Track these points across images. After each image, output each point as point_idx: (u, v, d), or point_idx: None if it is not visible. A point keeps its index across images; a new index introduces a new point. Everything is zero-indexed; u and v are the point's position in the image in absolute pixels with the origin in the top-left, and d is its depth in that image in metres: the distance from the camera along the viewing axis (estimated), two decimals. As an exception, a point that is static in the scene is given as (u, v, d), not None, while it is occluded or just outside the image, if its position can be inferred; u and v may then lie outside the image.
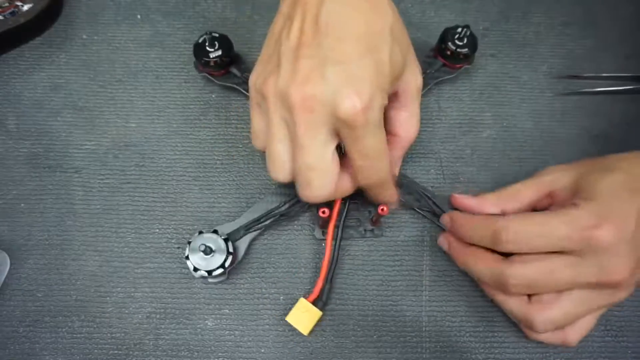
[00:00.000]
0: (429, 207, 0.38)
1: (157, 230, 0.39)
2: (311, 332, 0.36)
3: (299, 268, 0.38)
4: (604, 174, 0.31)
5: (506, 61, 0.45)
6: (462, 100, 0.43)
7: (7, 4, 0.43)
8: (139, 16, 0.46)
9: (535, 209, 0.36)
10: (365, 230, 0.39)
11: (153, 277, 0.38)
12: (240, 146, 0.42)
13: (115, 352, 0.36)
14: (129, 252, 0.39)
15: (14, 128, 0.42)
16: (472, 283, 0.38)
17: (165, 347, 0.36)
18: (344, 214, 0.38)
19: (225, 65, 0.41)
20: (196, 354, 0.36)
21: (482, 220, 0.34)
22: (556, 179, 0.34)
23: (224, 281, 0.38)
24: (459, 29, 0.40)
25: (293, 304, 0.37)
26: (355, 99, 0.28)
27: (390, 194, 0.34)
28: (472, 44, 0.41)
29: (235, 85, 0.41)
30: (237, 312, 0.37)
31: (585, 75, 0.44)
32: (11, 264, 0.38)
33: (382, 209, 0.34)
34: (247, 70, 0.41)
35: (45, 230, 0.39)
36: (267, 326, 0.37)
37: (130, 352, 0.36)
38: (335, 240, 0.37)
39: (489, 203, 0.36)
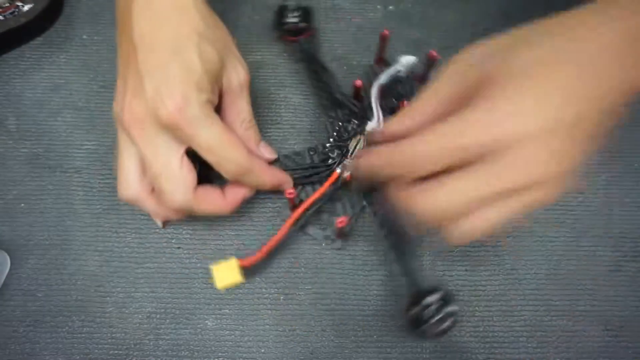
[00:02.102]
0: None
1: (157, 230, 0.39)
2: (224, 288, 0.36)
3: (299, 268, 0.38)
4: (517, 54, 0.27)
5: (506, 61, 0.45)
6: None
7: (7, 4, 0.43)
8: (139, 16, 0.46)
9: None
10: (326, 236, 0.39)
11: (153, 277, 0.38)
12: (241, 146, 0.42)
13: (115, 352, 0.36)
14: (129, 252, 0.39)
15: (14, 128, 0.42)
16: (472, 283, 0.38)
17: (165, 347, 0.36)
18: (312, 210, 0.37)
19: None
20: (196, 354, 0.36)
21: (393, 148, 0.29)
22: (474, 65, 0.29)
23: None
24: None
25: (293, 304, 0.37)
26: (167, 103, 0.30)
27: (263, 180, 0.35)
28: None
29: None
30: (237, 312, 0.37)
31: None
32: (11, 264, 0.38)
33: (341, 222, 0.35)
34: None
35: (45, 230, 0.39)
36: (267, 326, 0.37)
37: (130, 352, 0.36)
38: (294, 226, 0.37)
39: (400, 119, 0.31)
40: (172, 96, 0.30)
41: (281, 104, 0.43)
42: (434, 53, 0.40)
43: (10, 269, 0.38)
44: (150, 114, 0.31)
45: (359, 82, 0.39)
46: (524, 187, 0.26)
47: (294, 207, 0.38)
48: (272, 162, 0.39)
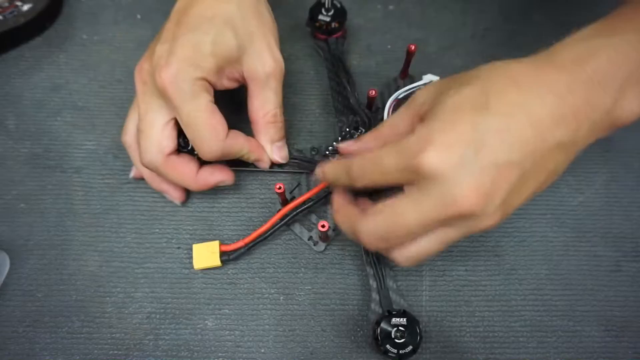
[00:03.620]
0: None
1: (157, 230, 0.39)
2: (200, 270, 0.38)
3: (299, 268, 0.38)
4: (455, 90, 0.28)
5: (506, 61, 0.45)
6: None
7: (7, 4, 0.43)
8: (139, 16, 0.46)
9: None
10: (310, 238, 0.39)
11: (153, 277, 0.38)
12: (240, 146, 0.42)
13: (115, 352, 0.36)
14: (129, 252, 0.39)
15: (14, 128, 0.42)
16: (472, 283, 0.38)
17: (165, 347, 0.36)
18: (300, 209, 0.37)
19: None
20: (196, 354, 0.36)
21: (340, 162, 0.33)
22: (424, 101, 0.31)
23: (224, 281, 0.38)
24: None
25: (293, 304, 0.37)
26: (163, 71, 0.32)
27: (240, 154, 0.36)
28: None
29: None
30: (237, 312, 0.37)
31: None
32: (11, 264, 0.38)
33: (323, 225, 0.35)
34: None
35: (45, 230, 0.39)
36: (267, 326, 0.37)
37: (130, 352, 0.36)
38: (281, 221, 0.37)
39: (370, 142, 0.34)
40: (168, 66, 0.32)
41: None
42: (413, 47, 0.40)
43: (10, 269, 0.38)
44: (151, 76, 0.34)
45: (373, 92, 0.39)
46: (451, 217, 0.28)
47: (284, 202, 0.38)
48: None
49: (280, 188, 0.36)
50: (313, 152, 0.41)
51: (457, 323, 0.37)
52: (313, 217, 0.39)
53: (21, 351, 0.36)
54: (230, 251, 0.38)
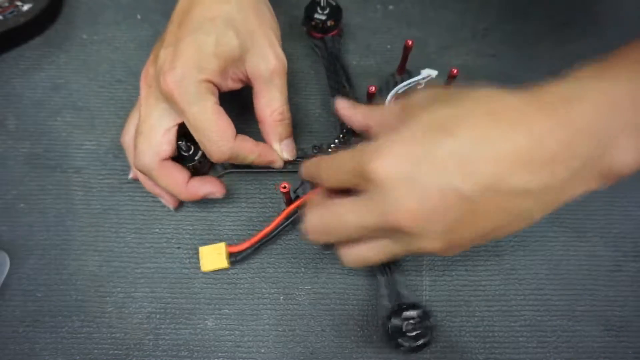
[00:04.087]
0: None
1: (157, 230, 0.39)
2: (207, 272, 0.37)
3: (299, 268, 0.38)
4: (437, 107, 0.28)
5: (506, 61, 0.45)
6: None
7: (7, 4, 0.43)
8: (139, 16, 0.46)
9: None
10: None
11: (153, 277, 0.38)
12: (240, 146, 0.42)
13: (115, 352, 0.36)
14: (129, 252, 0.39)
15: (14, 128, 0.42)
16: (472, 283, 0.38)
17: (165, 347, 0.36)
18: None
19: None
20: (196, 354, 0.36)
21: (313, 161, 0.34)
22: (417, 103, 0.30)
23: (224, 281, 0.38)
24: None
25: (293, 304, 0.37)
26: (167, 74, 0.33)
27: (248, 159, 0.36)
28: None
29: None
30: (237, 312, 0.37)
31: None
32: (11, 264, 0.38)
33: (284, 187, 0.35)
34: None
35: (45, 230, 0.39)
36: (267, 326, 0.37)
37: (130, 352, 0.36)
38: (285, 220, 0.37)
39: (360, 114, 0.35)
40: (173, 69, 0.33)
41: (281, 104, 0.43)
42: (410, 42, 0.40)
43: (10, 269, 0.38)
44: (156, 80, 0.34)
45: (373, 89, 0.39)
46: (388, 229, 0.28)
47: (289, 202, 0.38)
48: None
49: (285, 187, 0.36)
50: (315, 150, 0.41)
51: (457, 323, 0.37)
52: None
53: (21, 351, 0.36)
54: (237, 252, 0.37)
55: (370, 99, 0.40)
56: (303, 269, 0.38)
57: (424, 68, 0.42)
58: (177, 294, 0.38)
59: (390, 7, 0.47)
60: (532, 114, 0.26)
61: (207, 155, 0.35)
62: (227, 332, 0.37)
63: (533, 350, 0.36)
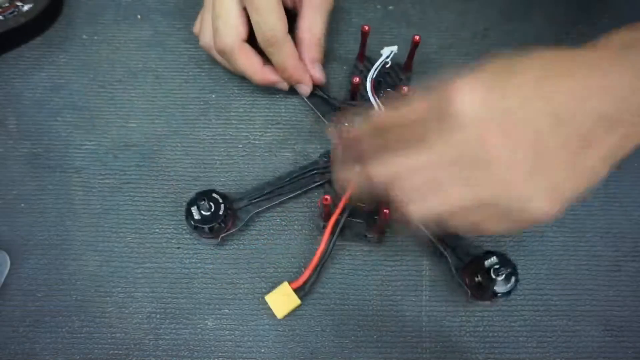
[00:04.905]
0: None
1: (157, 230, 0.39)
2: (285, 317, 0.36)
3: (299, 268, 0.38)
4: (483, 70, 0.27)
5: (506, 61, 0.45)
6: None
7: (7, 4, 0.43)
8: (139, 16, 0.46)
9: None
10: (366, 236, 0.38)
11: (153, 277, 0.38)
12: (240, 146, 0.42)
13: (115, 352, 0.36)
14: (129, 252, 0.39)
15: (14, 128, 0.42)
16: (472, 283, 0.38)
17: (165, 347, 0.36)
18: (346, 213, 0.37)
19: None
20: (196, 354, 0.36)
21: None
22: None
23: (224, 281, 0.38)
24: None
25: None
26: None
27: (286, 62, 0.38)
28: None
29: None
30: (237, 312, 0.37)
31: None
32: (11, 264, 0.38)
33: (385, 213, 0.34)
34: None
35: (45, 230, 0.39)
36: (267, 326, 0.37)
37: (130, 352, 0.36)
38: (333, 235, 0.37)
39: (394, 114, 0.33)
40: None
41: (281, 104, 0.43)
42: (417, 38, 0.40)
43: (10, 269, 0.38)
44: None
45: (357, 79, 0.39)
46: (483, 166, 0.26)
47: (327, 215, 0.37)
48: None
49: (327, 200, 0.34)
50: (325, 158, 0.40)
51: (457, 323, 0.37)
52: (358, 220, 0.38)
53: (21, 351, 0.36)
54: (303, 284, 0.36)
55: (355, 89, 0.41)
56: (303, 269, 0.38)
57: (424, 68, 0.42)
58: (177, 294, 0.38)
59: (390, 7, 0.47)
60: (597, 54, 0.27)
61: (257, 36, 0.37)
62: (227, 332, 0.37)
63: (533, 350, 0.37)
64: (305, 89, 0.41)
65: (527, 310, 0.37)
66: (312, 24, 0.39)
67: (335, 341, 0.37)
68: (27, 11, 0.44)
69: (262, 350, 0.36)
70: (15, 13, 0.43)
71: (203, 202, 0.35)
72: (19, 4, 0.44)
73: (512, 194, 0.26)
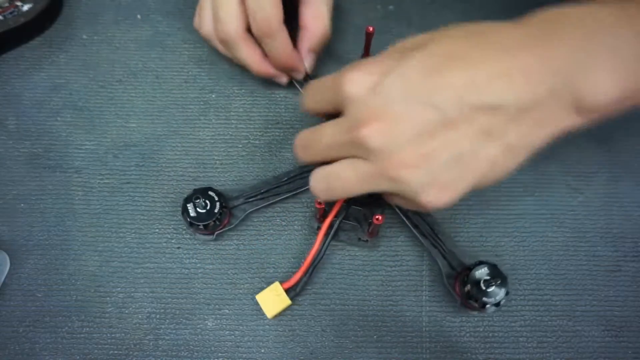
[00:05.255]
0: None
1: (157, 230, 0.39)
2: (275, 316, 0.36)
3: (299, 268, 0.38)
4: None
5: (506, 61, 0.45)
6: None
7: (7, 4, 0.43)
8: (139, 16, 0.46)
9: None
10: (360, 239, 0.38)
11: (153, 277, 0.38)
12: (240, 146, 0.42)
13: (115, 352, 0.36)
14: (129, 252, 0.39)
15: (14, 128, 0.42)
16: (472, 283, 0.38)
17: (165, 347, 0.36)
18: (342, 216, 0.37)
19: None
20: (196, 354, 0.36)
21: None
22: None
23: (224, 281, 0.38)
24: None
25: (293, 303, 0.37)
26: None
27: (279, 51, 0.37)
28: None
29: None
30: (237, 312, 0.37)
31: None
32: (11, 264, 0.38)
33: (377, 219, 0.34)
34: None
35: (45, 230, 0.39)
36: (267, 326, 0.37)
37: (130, 352, 0.36)
38: (327, 236, 0.37)
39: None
40: None
41: (281, 103, 0.43)
42: (371, 29, 0.40)
43: (10, 269, 0.38)
44: None
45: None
46: (356, 142, 0.27)
47: (322, 217, 0.37)
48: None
49: (320, 204, 0.35)
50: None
51: (457, 323, 0.37)
52: (352, 221, 0.38)
53: (21, 351, 0.36)
54: (294, 285, 0.37)
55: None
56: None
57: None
58: (177, 294, 0.38)
59: (390, 7, 0.47)
60: (505, 30, 0.26)
61: (251, 24, 0.36)
62: (227, 332, 0.37)
63: (533, 350, 0.36)
64: (298, 76, 0.41)
65: (527, 310, 0.37)
66: (317, 12, 0.38)
67: (335, 341, 0.37)
68: (27, 11, 0.44)
69: (262, 351, 0.36)
70: (15, 13, 0.43)
71: (199, 199, 0.36)
72: (19, 4, 0.44)
73: (398, 186, 0.27)
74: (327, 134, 0.29)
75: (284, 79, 0.41)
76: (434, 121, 0.25)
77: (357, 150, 0.27)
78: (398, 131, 0.25)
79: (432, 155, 0.26)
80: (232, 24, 0.37)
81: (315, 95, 0.32)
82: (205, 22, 0.39)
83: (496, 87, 0.24)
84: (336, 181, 0.30)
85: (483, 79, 0.24)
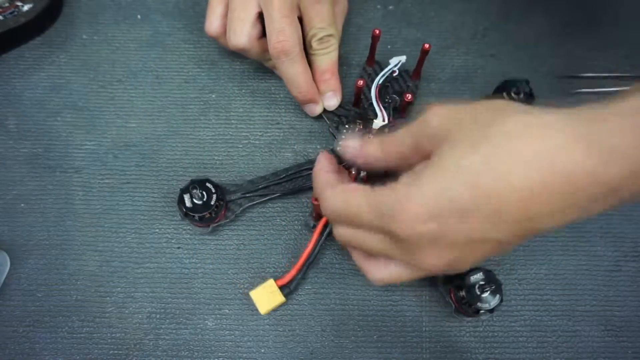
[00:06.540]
0: None
1: (157, 230, 0.39)
2: (268, 313, 0.36)
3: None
4: (466, 146, 0.25)
5: (506, 61, 0.45)
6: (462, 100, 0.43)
7: (7, 4, 0.43)
8: (139, 16, 0.46)
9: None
10: None
11: (153, 277, 0.38)
12: (240, 146, 0.42)
13: (115, 352, 0.36)
14: (129, 252, 0.39)
15: (14, 128, 0.42)
16: (472, 283, 0.38)
17: (165, 347, 0.36)
18: None
19: None
20: (196, 354, 0.36)
21: (319, 183, 0.33)
22: (437, 126, 0.27)
23: (224, 281, 0.38)
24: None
25: (293, 304, 0.37)
26: None
27: (297, 79, 0.38)
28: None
29: None
30: (237, 311, 0.37)
31: (585, 75, 0.44)
32: (11, 264, 0.38)
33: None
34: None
35: (45, 230, 0.39)
36: (267, 326, 0.37)
37: (130, 352, 0.36)
38: (321, 236, 0.37)
39: (372, 146, 0.32)
40: None
41: (281, 103, 0.43)
42: (427, 46, 0.39)
43: (10, 269, 0.38)
44: None
45: (361, 82, 0.39)
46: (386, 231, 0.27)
47: (318, 215, 0.37)
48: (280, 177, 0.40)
49: (317, 200, 0.34)
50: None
51: (457, 323, 0.37)
52: None
53: (21, 351, 0.36)
54: (288, 282, 0.37)
55: (359, 92, 0.40)
56: (303, 269, 0.38)
57: (424, 68, 0.42)
58: (177, 294, 0.38)
59: (390, 7, 0.47)
60: (568, 146, 0.23)
61: (268, 43, 0.37)
62: (227, 332, 0.37)
63: (533, 350, 0.36)
64: (316, 108, 0.41)
65: (527, 310, 0.37)
66: (320, 9, 0.38)
67: (335, 341, 0.37)
68: (27, 11, 0.44)
69: (262, 350, 0.36)
70: (15, 13, 0.43)
71: (195, 190, 0.35)
72: (19, 4, 0.44)
73: (407, 257, 0.28)
74: (380, 248, 0.29)
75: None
76: (455, 219, 0.26)
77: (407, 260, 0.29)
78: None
79: (448, 245, 0.27)
80: (245, 35, 0.38)
81: (351, 210, 0.30)
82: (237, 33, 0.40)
83: (554, 215, 0.25)
84: (351, 241, 0.31)
85: (542, 208, 0.25)
